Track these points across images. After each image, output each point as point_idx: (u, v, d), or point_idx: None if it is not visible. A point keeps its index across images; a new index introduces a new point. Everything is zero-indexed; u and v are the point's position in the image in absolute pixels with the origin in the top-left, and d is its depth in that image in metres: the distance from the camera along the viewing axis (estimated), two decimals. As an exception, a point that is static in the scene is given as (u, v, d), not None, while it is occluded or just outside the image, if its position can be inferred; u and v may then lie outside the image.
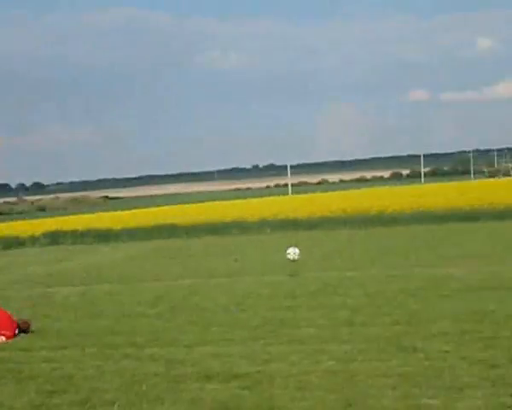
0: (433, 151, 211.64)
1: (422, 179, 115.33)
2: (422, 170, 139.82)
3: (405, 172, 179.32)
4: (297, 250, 18.71)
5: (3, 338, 12.68)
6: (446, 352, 9.63)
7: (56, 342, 12.09)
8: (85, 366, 10.32)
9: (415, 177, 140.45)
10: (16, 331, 12.99)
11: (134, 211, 56.25)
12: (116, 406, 8.32)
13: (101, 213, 56.42)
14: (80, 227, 42.22)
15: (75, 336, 12.58)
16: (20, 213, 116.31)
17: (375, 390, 8.21)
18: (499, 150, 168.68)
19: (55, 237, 41.30)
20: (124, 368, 10.08)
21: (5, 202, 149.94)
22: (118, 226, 41.44)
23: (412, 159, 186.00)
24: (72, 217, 53.69)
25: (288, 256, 18.72)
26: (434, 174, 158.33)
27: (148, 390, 8.90)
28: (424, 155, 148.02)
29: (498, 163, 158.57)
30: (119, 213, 55.51)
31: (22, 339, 12.65)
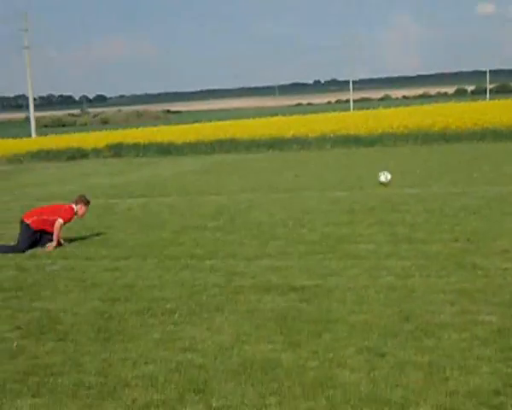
0: (500, 67, 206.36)
1: (488, 96, 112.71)
2: (488, 86, 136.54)
3: (470, 88, 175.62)
4: (388, 175, 19.57)
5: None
6: (506, 269, 9.58)
7: (119, 253, 12.37)
8: (147, 276, 10.57)
9: (480, 93, 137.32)
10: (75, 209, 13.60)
11: (195, 125, 56.36)
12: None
13: (163, 127, 56.74)
14: (142, 140, 42.59)
15: (137, 246, 12.84)
16: (84, 125, 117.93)
17: (433, 306, 8.24)
18: None
19: (117, 150, 41.80)
20: (184, 279, 10.28)
21: (69, 114, 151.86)
22: (179, 140, 41.67)
23: (478, 75, 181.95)
24: (134, 130, 54.10)
25: (381, 179, 19.53)
26: (501, 91, 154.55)
27: (208, 300, 9.07)
28: (490, 71, 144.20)
29: None
30: (180, 126, 55.73)
31: (87, 248, 12.98)
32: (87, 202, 13.83)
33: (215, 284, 9.87)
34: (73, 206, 13.65)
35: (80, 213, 13.71)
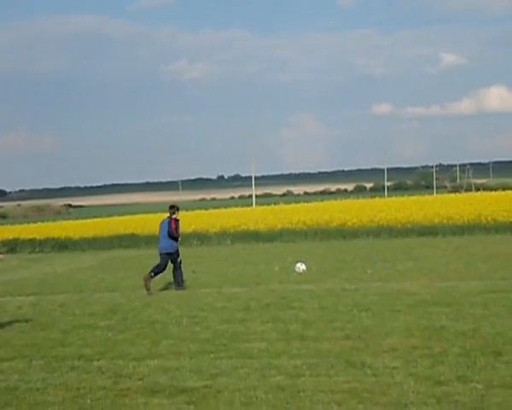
0: (397, 165, 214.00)
1: (386, 193, 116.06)
2: (386, 184, 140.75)
3: (369, 185, 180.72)
4: (303, 265, 21.59)
5: None
6: (394, 368, 9.61)
7: (3, 354, 11.91)
8: (31, 379, 10.15)
9: (378, 190, 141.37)
10: None
11: (94, 220, 55.77)
12: None
13: (62, 222, 55.87)
14: (39, 236, 41.79)
15: (23, 347, 12.39)
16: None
17: (321, 406, 8.17)
18: (462, 165, 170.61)
19: (12, 246, 40.86)
20: (70, 381, 9.93)
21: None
22: (77, 236, 41.07)
23: (376, 172, 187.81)
24: (31, 225, 53.06)
25: (297, 270, 21.41)
26: (398, 188, 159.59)
27: (93, 404, 8.77)
28: (388, 169, 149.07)
29: (461, 178, 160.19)
30: (79, 221, 55.01)
31: (-31, 350, 12.43)
32: None
33: (101, 386, 9.56)
34: None
35: None
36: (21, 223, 62.71)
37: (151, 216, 55.42)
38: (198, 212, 59.19)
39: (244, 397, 8.67)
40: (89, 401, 8.87)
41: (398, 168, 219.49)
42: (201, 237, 38.52)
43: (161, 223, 19.74)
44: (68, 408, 8.63)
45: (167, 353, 11.36)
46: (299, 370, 9.80)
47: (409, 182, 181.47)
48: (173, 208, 19.63)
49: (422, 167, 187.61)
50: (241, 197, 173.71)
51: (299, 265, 21.82)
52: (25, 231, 45.52)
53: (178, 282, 19.37)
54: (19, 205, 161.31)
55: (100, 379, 9.94)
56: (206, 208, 67.18)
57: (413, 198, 56.59)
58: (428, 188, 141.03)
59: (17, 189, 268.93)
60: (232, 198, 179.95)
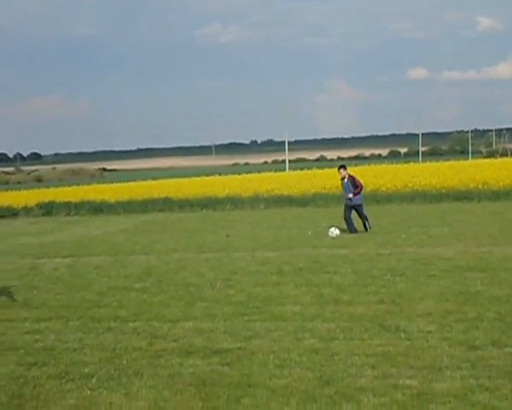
0: (432, 130, 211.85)
1: (420, 158, 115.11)
2: (420, 149, 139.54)
3: (403, 150, 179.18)
4: (337, 230, 21.81)
5: None
6: (428, 332, 9.60)
7: (41, 314, 12.11)
8: (67, 339, 10.33)
9: (413, 155, 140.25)
10: None
11: (129, 184, 56.11)
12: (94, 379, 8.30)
13: (97, 186, 56.32)
14: (74, 199, 42.16)
15: (60, 308, 12.58)
16: (18, 183, 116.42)
17: (354, 369, 8.19)
18: (498, 130, 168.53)
19: (48, 209, 41.29)
20: (106, 342, 10.07)
21: (2, 172, 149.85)
22: (112, 199, 41.37)
23: (411, 137, 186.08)
24: (67, 188, 53.57)
25: (330, 234, 21.60)
26: (432, 153, 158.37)
27: (129, 364, 8.88)
28: (423, 134, 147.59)
29: (497, 143, 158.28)
30: (114, 185, 55.42)
31: (7, 309, 12.64)
32: None
33: (136, 347, 9.68)
34: None
35: None
36: (57, 186, 63.27)
37: (185, 180, 55.67)
38: (231, 176, 59.27)
39: (278, 359, 8.73)
40: (125, 362, 8.99)
41: (433, 133, 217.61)
42: (235, 202, 38.56)
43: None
44: (104, 368, 8.74)
45: (202, 315, 11.45)
46: (332, 333, 9.83)
47: (444, 147, 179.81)
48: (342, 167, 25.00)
49: (458, 132, 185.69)
50: (274, 162, 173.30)
51: (332, 229, 21.83)
52: (60, 194, 45.96)
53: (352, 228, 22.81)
54: (54, 168, 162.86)
55: (135, 340, 10.06)
56: (239, 173, 67.17)
57: (448, 163, 56.02)
58: (463, 153, 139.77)
59: (52, 152, 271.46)
60: (265, 163, 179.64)
